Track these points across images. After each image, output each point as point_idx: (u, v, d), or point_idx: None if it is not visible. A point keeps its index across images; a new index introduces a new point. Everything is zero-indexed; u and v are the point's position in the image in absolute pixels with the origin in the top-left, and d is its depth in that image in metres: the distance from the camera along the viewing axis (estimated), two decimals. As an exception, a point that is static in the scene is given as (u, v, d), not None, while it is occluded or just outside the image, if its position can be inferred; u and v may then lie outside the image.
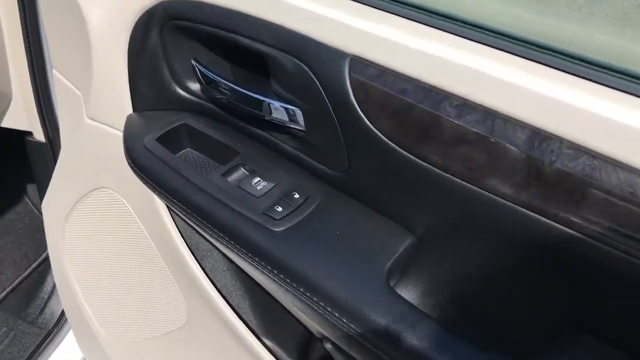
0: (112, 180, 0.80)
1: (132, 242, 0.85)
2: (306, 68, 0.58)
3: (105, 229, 0.87)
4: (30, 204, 1.47)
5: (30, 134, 1.10)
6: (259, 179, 0.64)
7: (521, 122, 0.47)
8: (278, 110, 0.63)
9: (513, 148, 0.47)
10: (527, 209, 0.48)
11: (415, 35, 0.52)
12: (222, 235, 0.61)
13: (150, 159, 0.68)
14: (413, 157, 0.54)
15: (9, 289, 1.36)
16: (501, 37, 0.51)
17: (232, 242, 0.60)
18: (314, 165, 0.64)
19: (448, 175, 0.52)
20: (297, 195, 0.62)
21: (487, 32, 0.52)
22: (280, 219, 0.60)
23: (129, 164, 0.70)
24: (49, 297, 1.33)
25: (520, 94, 0.47)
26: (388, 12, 0.56)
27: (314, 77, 0.58)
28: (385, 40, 0.53)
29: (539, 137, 0.46)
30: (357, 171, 0.60)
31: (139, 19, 0.69)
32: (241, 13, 0.62)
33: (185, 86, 0.72)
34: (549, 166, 0.46)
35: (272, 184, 0.64)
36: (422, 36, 0.52)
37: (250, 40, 0.62)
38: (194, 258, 0.78)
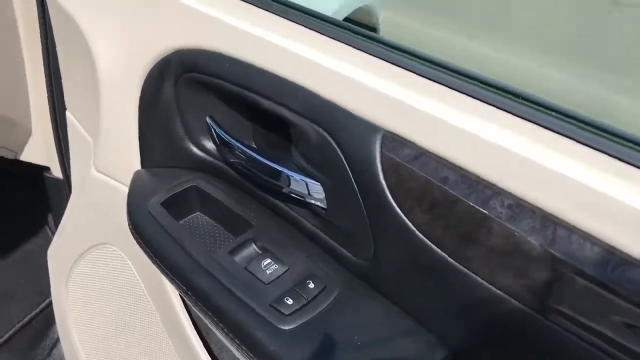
0: (116, 237, 0.73)
1: (132, 301, 0.77)
2: (331, 140, 0.50)
3: (107, 285, 0.79)
4: (50, 235, 1.43)
5: (47, 169, 1.05)
6: (270, 260, 0.55)
7: (593, 236, 0.37)
8: (298, 183, 0.55)
9: (580, 267, 0.37)
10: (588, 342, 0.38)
11: (466, 112, 0.43)
12: (221, 326, 0.52)
13: (153, 226, 0.60)
14: (452, 260, 0.44)
15: (18, 325, 1.30)
16: (580, 124, 0.41)
17: (232, 336, 0.51)
18: (335, 249, 0.55)
19: (497, 291, 0.42)
20: (312, 285, 0.53)
21: (561, 117, 0.42)
22: (289, 314, 0.50)
23: (130, 229, 0.62)
24: (59, 339, 1.27)
25: (597, 200, 0.37)
26: (433, 80, 0.47)
27: (340, 152, 0.49)
28: (425, 116, 0.44)
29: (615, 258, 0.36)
30: (385, 263, 0.51)
31: (153, 67, 0.62)
32: (264, 71, 0.54)
33: (199, 143, 0.64)
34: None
35: (285, 268, 0.55)
36: (474, 114, 0.43)
37: (271, 102, 0.54)
38: (194, 330, 0.69)
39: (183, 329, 0.71)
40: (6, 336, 1.26)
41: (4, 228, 1.24)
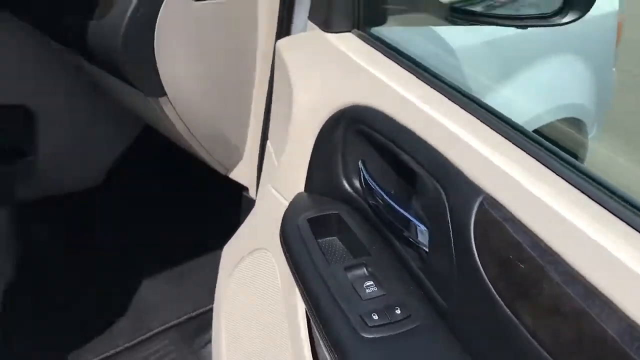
0: (271, 244, 0.88)
1: (270, 304, 0.91)
2: (442, 193, 0.59)
3: (257, 285, 0.95)
4: None
5: (246, 189, 1.27)
6: (372, 283, 0.66)
7: None
8: (415, 228, 0.65)
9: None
10: None
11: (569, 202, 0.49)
12: (316, 320, 0.64)
13: (296, 236, 0.74)
14: (532, 339, 0.49)
15: (194, 313, 1.53)
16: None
17: (321, 328, 0.62)
18: (429, 289, 0.63)
19: None
20: (398, 311, 0.62)
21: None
22: (371, 327, 0.60)
23: (279, 237, 0.77)
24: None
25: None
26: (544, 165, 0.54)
27: (446, 205, 0.58)
28: (532, 196, 0.51)
29: None
30: (463, 315, 0.58)
31: (332, 115, 0.78)
32: (409, 130, 0.66)
33: (350, 181, 0.78)
34: None
35: (382, 293, 0.65)
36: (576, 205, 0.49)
37: (408, 156, 0.65)
38: (309, 342, 0.81)
39: (299, 337, 0.83)
40: (182, 319, 1.51)
41: (201, 227, 1.50)
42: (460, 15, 0.96)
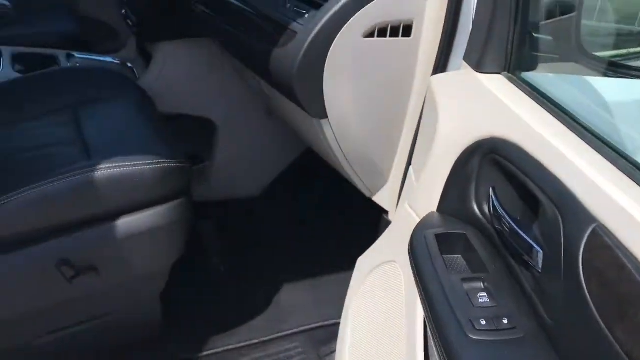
0: (400, 257, 0.97)
1: (394, 315, 1.00)
2: (560, 219, 0.65)
3: (383, 297, 1.04)
4: None
5: (386, 212, 1.37)
6: (485, 294, 0.72)
7: None
8: (534, 252, 0.70)
9: None
10: None
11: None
12: (430, 321, 0.71)
13: (422, 247, 0.83)
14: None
15: (324, 323, 1.65)
16: None
17: (433, 328, 0.70)
18: (537, 306, 0.68)
19: None
20: (505, 321, 0.68)
21: None
22: (479, 330, 0.67)
23: (408, 246, 0.86)
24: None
25: None
26: None
27: (562, 231, 0.64)
28: (629, 216, 0.56)
29: None
30: (565, 332, 0.62)
31: (471, 144, 0.86)
32: (537, 161, 0.72)
33: (480, 206, 0.85)
34: None
35: (493, 304, 0.71)
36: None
37: (535, 186, 0.72)
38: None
39: (415, 346, 0.90)
40: (313, 326, 1.63)
41: (342, 244, 1.61)
42: (613, 69, 1.00)
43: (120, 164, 1.24)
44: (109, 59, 1.94)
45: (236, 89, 1.86)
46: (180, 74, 1.80)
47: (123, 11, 1.90)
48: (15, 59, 1.77)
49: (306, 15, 1.15)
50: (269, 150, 1.99)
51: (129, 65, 1.94)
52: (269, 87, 1.42)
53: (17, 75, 1.69)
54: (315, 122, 1.25)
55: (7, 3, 1.64)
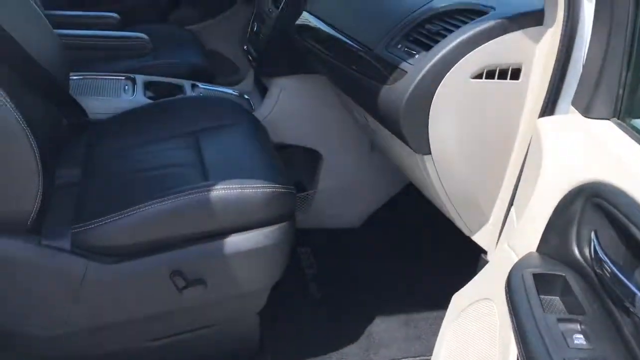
0: (496, 295, 0.98)
1: (486, 354, 1.00)
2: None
3: (476, 334, 1.05)
4: None
5: (485, 252, 1.37)
6: (581, 337, 0.72)
7: None
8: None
9: None
10: None
11: None
12: (524, 357, 0.72)
13: (520, 285, 0.84)
14: None
15: (416, 358, 1.65)
16: None
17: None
18: (636, 351, 0.67)
19: None
20: (600, 366, 0.67)
21: None
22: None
23: (505, 283, 0.87)
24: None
25: None
26: None
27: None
28: None
29: None
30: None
31: (574, 187, 0.86)
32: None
33: (581, 249, 0.85)
34: None
35: (589, 346, 0.70)
36: None
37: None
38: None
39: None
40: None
41: (438, 280, 1.62)
42: None
43: (234, 186, 1.34)
44: (229, 91, 2.09)
45: (343, 122, 1.94)
46: (292, 106, 1.91)
47: (245, 47, 2.06)
48: (147, 86, 1.96)
49: (416, 56, 1.21)
50: (370, 183, 2.05)
51: (246, 97, 2.08)
52: (375, 122, 1.48)
53: (148, 101, 1.86)
54: (418, 158, 1.29)
55: (146, 37, 1.83)
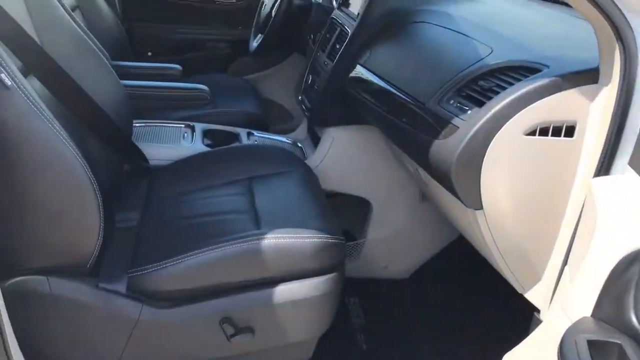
0: (548, 357, 0.95)
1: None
2: None
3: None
4: None
5: (538, 311, 1.34)
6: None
7: None
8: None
9: None
10: None
11: None
12: None
13: (572, 352, 0.81)
14: None
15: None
16: None
17: None
18: None
19: None
20: None
21: None
22: None
23: (558, 347, 0.85)
24: None
25: None
26: None
27: None
28: None
29: None
30: None
31: (632, 252, 0.84)
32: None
33: (638, 316, 0.82)
34: None
35: None
36: None
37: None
38: None
39: None
40: None
41: (488, 338, 1.58)
42: None
43: (285, 235, 1.36)
44: (282, 139, 2.15)
45: (393, 172, 1.95)
46: (343, 155, 1.94)
47: (300, 98, 2.11)
48: (205, 134, 2.04)
49: (468, 112, 1.22)
50: (420, 234, 2.04)
51: (299, 145, 2.13)
52: (426, 174, 1.49)
53: (206, 148, 1.93)
54: (469, 212, 1.29)
55: (205, 88, 1.91)
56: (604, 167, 1.10)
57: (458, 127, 1.21)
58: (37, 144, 1.15)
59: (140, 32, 2.69)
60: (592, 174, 1.12)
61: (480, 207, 1.23)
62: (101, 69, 1.61)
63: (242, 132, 2.09)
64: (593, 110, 1.13)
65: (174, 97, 1.84)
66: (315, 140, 2.08)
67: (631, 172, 1.01)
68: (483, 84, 1.25)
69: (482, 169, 1.18)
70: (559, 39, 1.39)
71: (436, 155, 1.27)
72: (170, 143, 1.92)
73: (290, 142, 2.15)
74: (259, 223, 1.45)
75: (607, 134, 1.09)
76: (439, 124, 1.27)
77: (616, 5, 1.00)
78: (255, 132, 2.10)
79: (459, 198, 1.25)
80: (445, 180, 1.27)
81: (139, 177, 1.72)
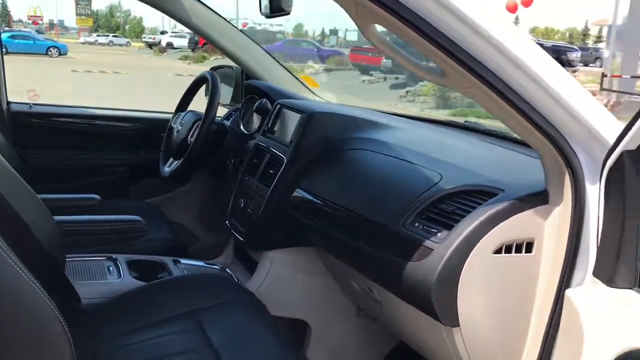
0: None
1: None
2: None
3: None
4: None
5: None
6: None
7: None
8: None
9: None
10: None
11: None
12: None
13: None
14: None
15: None
16: None
17: None
18: None
19: None
20: None
21: None
22: None
23: None
24: None
25: None
26: None
27: None
28: None
29: None
30: None
31: (618, 356, 0.95)
32: None
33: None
34: None
35: None
36: None
37: None
38: None
39: None
40: None
41: None
42: None
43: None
44: (210, 265, 2.09)
45: (329, 291, 1.98)
46: (282, 279, 1.94)
47: (228, 222, 2.10)
48: (129, 265, 1.92)
49: (438, 234, 1.31)
50: (358, 349, 2.05)
51: (227, 270, 2.08)
52: (384, 294, 1.54)
53: (137, 282, 1.81)
54: (444, 330, 1.34)
55: (141, 220, 1.83)
56: (566, 278, 1.23)
57: (432, 250, 1.29)
58: None
59: (35, 161, 2.53)
60: (555, 284, 1.24)
61: (457, 325, 1.29)
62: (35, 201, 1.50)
63: (168, 260, 2.01)
64: (548, 227, 1.27)
65: (111, 231, 1.73)
66: (246, 264, 2.05)
67: (597, 282, 1.14)
68: (444, 207, 1.36)
69: (459, 288, 1.26)
70: (496, 163, 1.57)
71: (410, 277, 1.33)
72: (97, 279, 1.78)
73: (218, 267, 2.10)
74: (221, 361, 1.38)
75: (566, 249, 1.23)
76: (409, 247, 1.34)
77: (564, 139, 1.17)
78: (181, 260, 2.03)
79: (435, 317, 1.31)
80: (420, 301, 1.32)
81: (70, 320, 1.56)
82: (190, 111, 2.41)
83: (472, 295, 1.27)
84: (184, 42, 35.32)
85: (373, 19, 1.10)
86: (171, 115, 2.54)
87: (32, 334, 1.03)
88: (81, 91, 12.46)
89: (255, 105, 2.23)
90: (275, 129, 2.08)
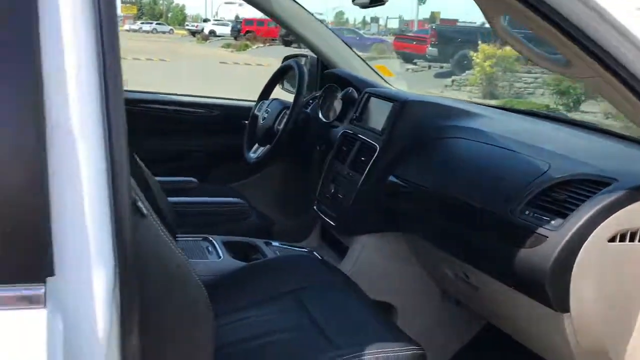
0: None
1: None
2: None
3: None
4: None
5: None
6: None
7: None
8: None
9: None
10: None
11: None
12: None
13: None
14: None
15: None
16: None
17: None
18: None
19: None
20: None
21: None
22: None
23: None
24: None
25: None
26: None
27: None
28: None
29: None
30: None
31: None
32: None
33: None
34: None
35: None
36: None
37: None
38: None
39: None
40: None
41: None
42: None
43: (374, 351, 1.37)
44: (299, 248, 2.16)
45: (416, 276, 2.03)
46: (372, 262, 1.99)
47: (317, 207, 2.16)
48: (226, 246, 2.00)
49: (552, 222, 1.34)
50: (443, 332, 2.09)
51: (315, 253, 2.15)
52: (484, 280, 1.58)
53: (238, 262, 1.89)
54: (550, 315, 1.37)
55: (242, 201, 1.90)
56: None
57: (546, 237, 1.32)
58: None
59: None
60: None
61: (568, 310, 1.33)
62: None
63: (260, 242, 2.08)
64: (663, 216, 1.29)
65: (217, 212, 1.82)
66: (335, 247, 2.11)
67: None
68: (555, 195, 1.39)
69: (573, 275, 1.29)
70: (600, 154, 1.58)
71: (523, 264, 1.36)
72: (196, 259, 1.87)
73: (306, 251, 2.16)
74: (330, 340, 1.44)
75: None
76: (520, 234, 1.38)
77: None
78: (273, 242, 2.10)
79: (547, 302, 1.34)
80: (533, 286, 1.36)
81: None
82: (275, 99, 2.48)
83: (586, 282, 1.31)
84: (226, 30, 35.69)
85: (504, 10, 1.14)
86: (251, 103, 2.61)
87: (185, 306, 1.11)
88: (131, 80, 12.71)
89: (342, 94, 2.28)
90: (363, 117, 2.13)
